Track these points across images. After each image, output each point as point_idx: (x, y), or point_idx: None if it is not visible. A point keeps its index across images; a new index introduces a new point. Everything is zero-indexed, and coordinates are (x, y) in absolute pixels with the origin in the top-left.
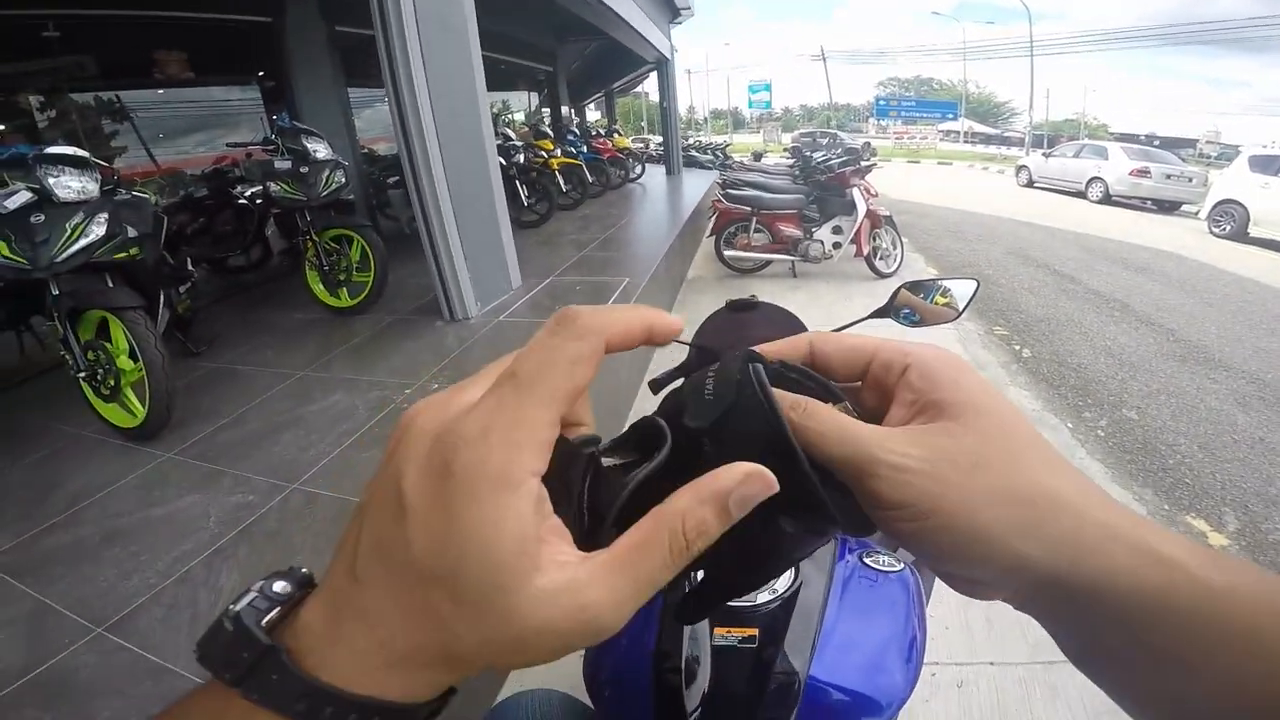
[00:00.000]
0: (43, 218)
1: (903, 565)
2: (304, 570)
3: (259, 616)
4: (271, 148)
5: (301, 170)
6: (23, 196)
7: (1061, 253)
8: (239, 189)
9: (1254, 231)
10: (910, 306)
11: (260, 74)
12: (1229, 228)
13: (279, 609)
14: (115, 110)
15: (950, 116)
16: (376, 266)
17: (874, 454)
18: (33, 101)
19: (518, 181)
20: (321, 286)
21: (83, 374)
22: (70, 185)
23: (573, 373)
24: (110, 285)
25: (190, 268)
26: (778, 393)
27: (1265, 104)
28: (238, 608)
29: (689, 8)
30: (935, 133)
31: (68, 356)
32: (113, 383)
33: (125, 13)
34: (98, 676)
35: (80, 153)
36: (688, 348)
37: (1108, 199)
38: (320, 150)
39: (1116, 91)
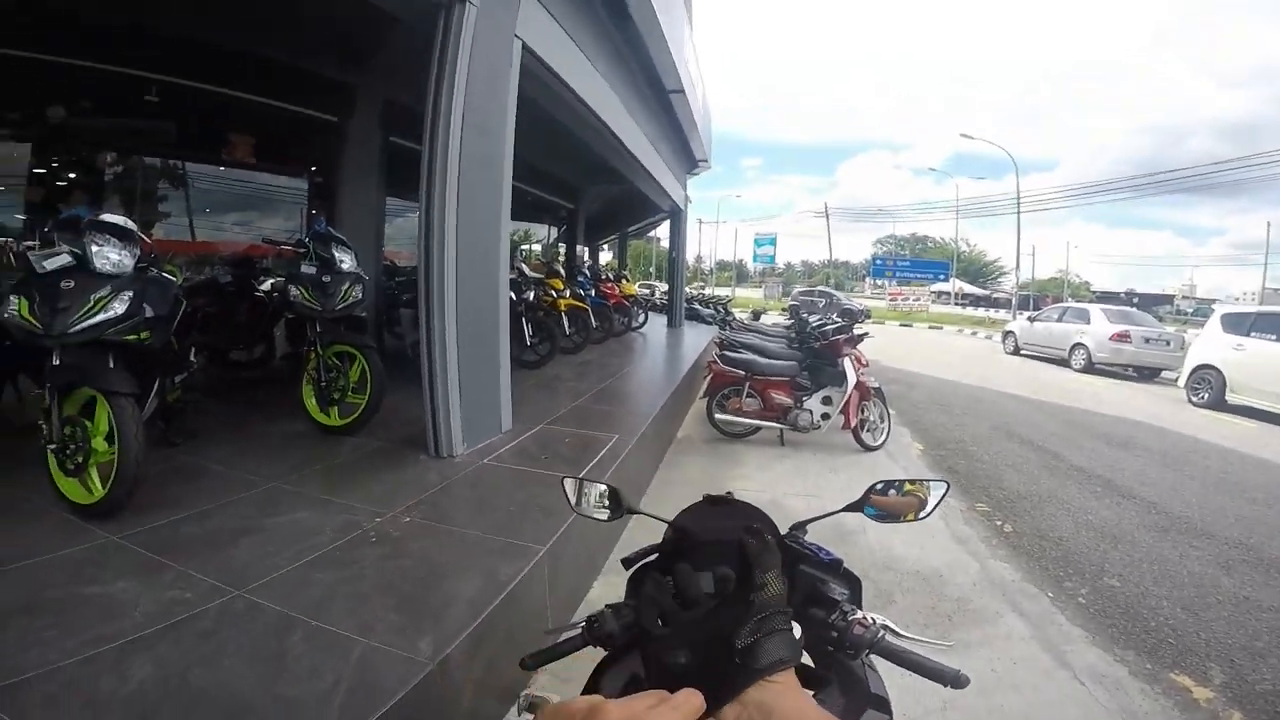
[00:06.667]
0: (72, 284)
1: None
2: None
3: None
4: (302, 250)
5: (324, 280)
6: (62, 260)
7: (1045, 428)
8: (261, 279)
9: (1231, 398)
10: (881, 504)
11: (313, 169)
12: (1207, 395)
13: None
14: (176, 177)
15: (942, 277)
16: (373, 391)
17: None
18: (108, 158)
19: (524, 319)
20: (314, 402)
21: (53, 446)
22: (109, 257)
23: None
24: (111, 365)
25: (193, 358)
26: None
27: (1238, 252)
28: None
29: (706, 160)
30: (927, 294)
31: (44, 425)
32: (80, 459)
33: (218, 90)
34: None
35: (129, 224)
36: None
37: (1090, 367)
38: (346, 262)
39: (1098, 244)
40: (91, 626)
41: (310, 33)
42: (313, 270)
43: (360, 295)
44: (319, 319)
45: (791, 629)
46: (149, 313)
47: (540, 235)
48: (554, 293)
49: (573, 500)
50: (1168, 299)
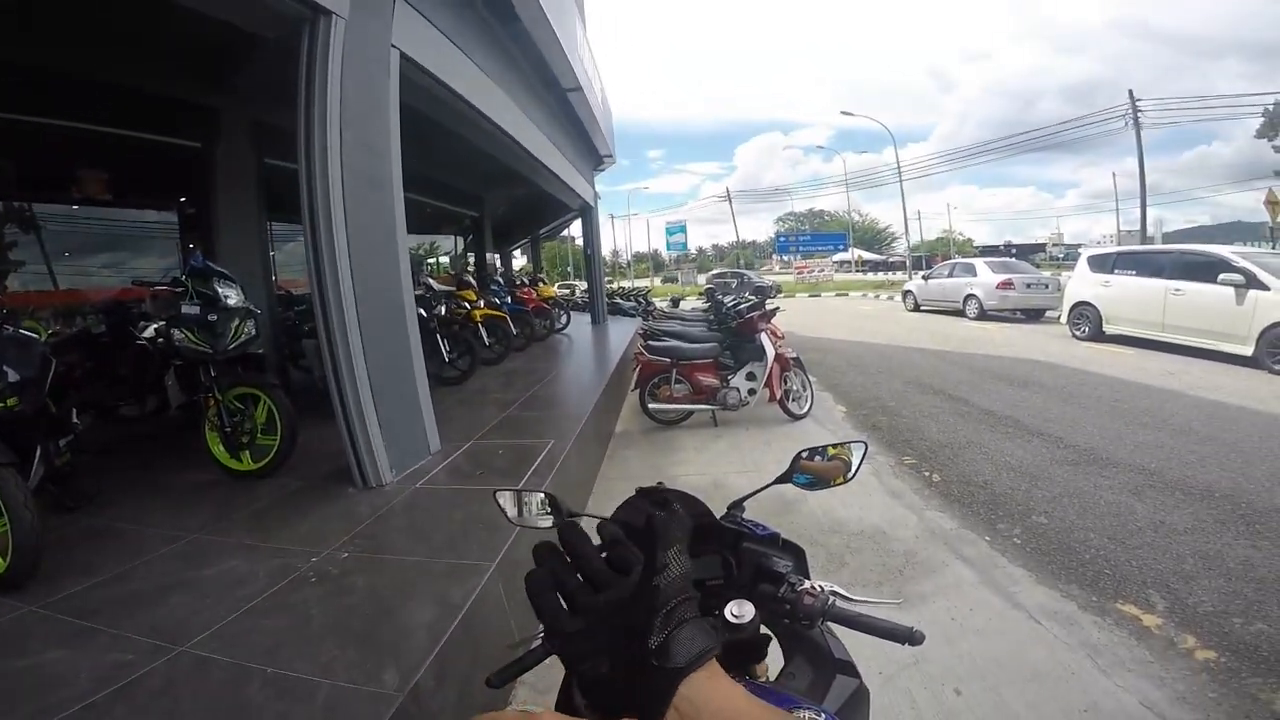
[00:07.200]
0: None
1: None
2: None
3: None
4: (181, 289)
5: (210, 318)
6: None
7: (952, 376)
8: (141, 325)
9: (1108, 329)
10: (808, 472)
11: (182, 200)
12: (1087, 329)
13: None
14: (25, 221)
15: (841, 247)
16: (284, 430)
17: None
18: None
19: (439, 335)
20: (222, 448)
21: None
22: None
23: None
24: None
25: (75, 419)
26: None
27: (1093, 201)
28: None
29: (611, 155)
30: (830, 264)
31: None
32: None
33: (59, 122)
34: None
35: None
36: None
37: (983, 314)
38: (232, 296)
39: (974, 203)
40: (36, 698)
41: (161, 54)
42: (195, 310)
43: (254, 331)
44: (211, 361)
45: (698, 616)
46: (12, 377)
47: (448, 247)
48: (467, 304)
49: (511, 513)
50: (1041, 248)
